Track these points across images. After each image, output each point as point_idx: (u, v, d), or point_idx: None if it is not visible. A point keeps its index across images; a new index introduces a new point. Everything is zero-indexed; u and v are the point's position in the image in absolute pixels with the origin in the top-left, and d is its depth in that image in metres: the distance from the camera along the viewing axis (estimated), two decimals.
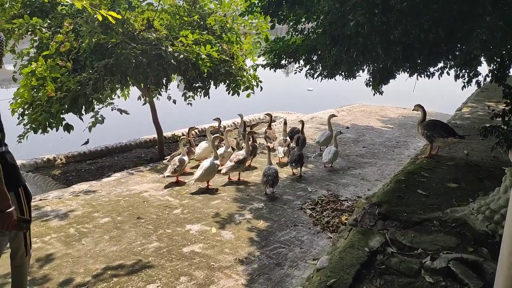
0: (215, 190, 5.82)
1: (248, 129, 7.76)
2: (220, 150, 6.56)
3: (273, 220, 4.78)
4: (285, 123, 7.62)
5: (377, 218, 3.74)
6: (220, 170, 6.08)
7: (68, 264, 3.69)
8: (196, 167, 6.43)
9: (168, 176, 5.94)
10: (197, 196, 5.50)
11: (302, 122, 7.87)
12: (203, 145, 7.07)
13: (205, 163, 5.76)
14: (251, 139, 6.64)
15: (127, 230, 4.40)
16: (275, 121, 11.08)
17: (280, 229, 4.54)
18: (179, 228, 4.49)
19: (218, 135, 6.72)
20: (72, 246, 4.04)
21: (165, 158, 7.46)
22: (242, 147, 6.95)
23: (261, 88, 8.19)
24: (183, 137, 6.64)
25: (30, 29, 6.47)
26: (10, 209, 2.47)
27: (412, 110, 6.45)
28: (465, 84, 6.11)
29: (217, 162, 5.84)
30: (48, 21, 6.62)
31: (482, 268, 2.78)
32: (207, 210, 5.01)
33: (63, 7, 6.76)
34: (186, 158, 6.17)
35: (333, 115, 8.38)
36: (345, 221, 4.64)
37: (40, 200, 5.46)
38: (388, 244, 3.25)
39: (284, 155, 7.01)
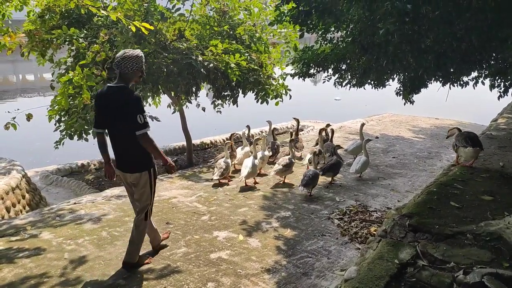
0: (255, 188, 6.29)
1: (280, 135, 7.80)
2: (259, 154, 6.79)
3: (300, 229, 4.76)
4: (320, 133, 7.35)
5: (408, 230, 3.66)
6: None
7: (100, 266, 3.80)
8: (235, 172, 6.97)
9: (216, 179, 6.34)
10: (225, 203, 5.55)
11: (332, 130, 7.78)
12: (240, 151, 7.32)
13: (248, 162, 6.22)
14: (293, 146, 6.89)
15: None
16: (302, 130, 11.05)
17: (307, 239, 4.51)
18: (206, 235, 4.54)
19: (229, 142, 6.98)
20: (104, 249, 4.16)
21: (195, 165, 7.60)
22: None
23: (290, 96, 8.21)
24: (228, 141, 6.94)
25: (67, 39, 6.77)
26: (169, 162, 3.62)
27: (447, 137, 6.19)
28: (501, 93, 5.93)
29: (257, 160, 6.35)
30: (85, 31, 6.90)
31: None
32: (234, 218, 5.04)
33: (99, 18, 7.04)
34: (229, 161, 6.53)
35: (364, 124, 8.22)
36: (374, 232, 4.56)
37: (75, 203, 5.65)
38: (419, 256, 3.17)
39: (310, 163, 6.93)
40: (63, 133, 6.12)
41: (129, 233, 4.49)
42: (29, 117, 5.33)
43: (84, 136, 6.08)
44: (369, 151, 7.67)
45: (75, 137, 6.06)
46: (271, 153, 7.43)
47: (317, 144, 7.39)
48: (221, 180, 6.46)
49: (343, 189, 6.29)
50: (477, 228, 3.56)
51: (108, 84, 3.48)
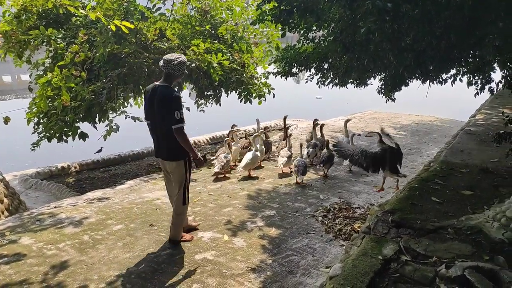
0: (256, 178, 6.77)
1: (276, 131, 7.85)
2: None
3: (285, 227, 4.77)
4: (314, 127, 7.78)
5: (391, 226, 3.71)
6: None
7: (82, 271, 3.73)
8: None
9: (216, 172, 6.73)
10: (209, 203, 5.52)
11: (321, 126, 7.86)
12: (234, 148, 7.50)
13: (249, 155, 6.69)
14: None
15: (140, 237, 4.44)
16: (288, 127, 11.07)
17: (292, 237, 4.52)
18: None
19: (228, 139, 7.15)
20: (86, 253, 4.08)
21: None
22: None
23: (274, 95, 8.21)
24: (227, 138, 7.24)
25: (45, 40, 6.63)
26: (199, 156, 4.02)
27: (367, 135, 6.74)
28: (478, 91, 6.06)
29: (258, 153, 6.80)
30: (63, 32, 6.77)
31: (499, 277, 2.73)
32: (219, 218, 5.02)
33: (78, 18, 6.91)
34: (230, 156, 6.87)
35: (349, 120, 8.33)
36: (358, 228, 4.60)
37: (55, 207, 5.53)
38: (402, 252, 3.21)
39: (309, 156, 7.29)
40: (41, 135, 5.98)
41: (112, 236, 4.46)
42: (6, 120, 5.20)
43: (64, 138, 5.96)
44: None
45: (55, 140, 5.94)
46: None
47: (311, 139, 7.64)
48: (218, 175, 6.83)
49: (327, 186, 6.33)
50: (458, 223, 3.63)
51: (156, 82, 3.89)
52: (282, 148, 7.23)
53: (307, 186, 6.30)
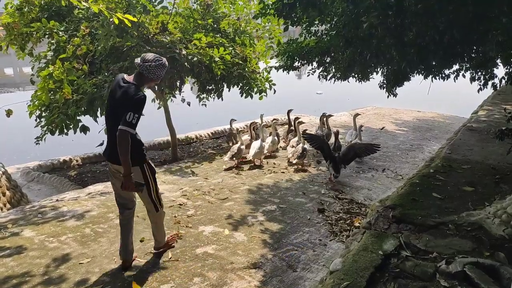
0: (261, 166, 7.07)
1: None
2: (269, 139, 7.66)
3: (286, 222, 4.78)
4: (321, 119, 8.33)
5: (391, 221, 3.71)
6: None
7: (83, 263, 3.75)
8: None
9: (226, 160, 6.99)
10: (210, 197, 5.54)
11: (328, 116, 8.45)
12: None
13: (256, 144, 6.97)
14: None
15: (141, 230, 4.45)
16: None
17: (293, 232, 4.54)
18: (192, 230, 4.52)
19: (234, 132, 7.77)
20: (87, 246, 4.10)
21: (180, 160, 7.57)
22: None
23: (274, 90, 8.20)
24: (240, 129, 7.88)
25: (47, 33, 6.61)
26: (130, 174, 3.31)
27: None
28: (481, 86, 6.04)
29: (264, 144, 7.13)
30: (65, 24, 6.75)
31: (499, 273, 2.74)
32: (220, 212, 5.03)
33: (80, 10, 6.89)
34: (243, 147, 7.10)
35: (358, 114, 8.75)
36: (359, 224, 4.61)
37: (57, 200, 5.56)
38: (403, 247, 3.22)
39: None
40: (44, 128, 5.99)
41: (113, 229, 4.48)
42: (8, 113, 5.19)
43: (66, 131, 5.96)
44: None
45: (57, 132, 5.94)
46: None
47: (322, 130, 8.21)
48: (232, 163, 7.10)
49: (328, 182, 6.33)
50: (459, 219, 3.64)
51: (125, 76, 3.44)
52: (289, 140, 7.69)
53: (310, 180, 6.30)
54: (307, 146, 6.97)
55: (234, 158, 6.99)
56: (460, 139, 6.74)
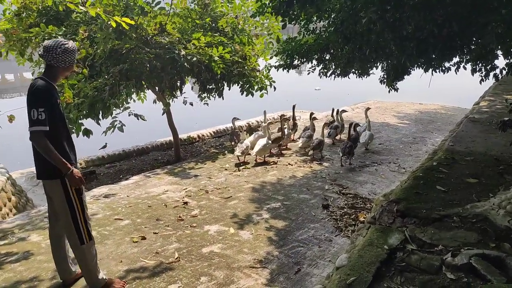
0: (269, 163, 7.25)
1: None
2: (276, 135, 7.90)
3: (291, 219, 4.80)
4: (337, 112, 9.16)
5: (396, 216, 3.72)
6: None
7: None
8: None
9: (238, 155, 7.19)
10: (214, 197, 5.55)
11: (341, 111, 9.14)
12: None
13: (261, 141, 7.09)
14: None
15: (147, 232, 4.47)
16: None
17: (298, 228, 4.55)
18: (197, 229, 4.54)
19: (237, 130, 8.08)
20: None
21: (183, 160, 7.59)
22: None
23: (275, 88, 8.21)
24: (269, 121, 8.06)
25: (46, 37, 6.60)
26: (70, 170, 2.90)
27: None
28: (483, 78, 6.02)
29: (270, 141, 7.19)
30: (64, 28, 6.75)
31: (505, 264, 2.75)
32: (225, 211, 5.05)
33: (78, 14, 6.89)
34: (249, 142, 7.40)
35: (369, 108, 9.32)
36: (363, 219, 4.62)
37: None
38: (408, 241, 3.23)
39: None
40: None
41: (119, 232, 4.50)
42: (11, 118, 5.20)
43: None
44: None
45: None
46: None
47: (331, 123, 8.94)
48: (241, 159, 7.37)
49: (331, 177, 6.35)
50: (463, 211, 3.64)
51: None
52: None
53: (313, 176, 6.32)
54: (327, 139, 7.71)
55: (244, 153, 7.20)
56: (463, 130, 6.74)
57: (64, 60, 2.97)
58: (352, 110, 12.35)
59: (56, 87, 3.04)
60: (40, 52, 2.96)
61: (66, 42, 2.98)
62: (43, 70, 3.09)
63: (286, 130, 7.97)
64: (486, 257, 2.81)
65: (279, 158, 7.63)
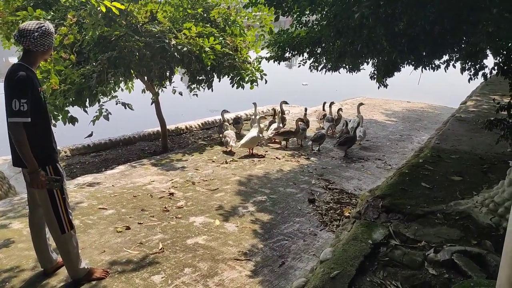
0: (259, 155, 7.23)
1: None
2: (275, 125, 8.12)
3: (277, 212, 4.80)
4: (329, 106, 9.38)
5: (381, 211, 3.75)
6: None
7: None
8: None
9: (240, 147, 7.22)
10: (201, 188, 5.52)
11: (331, 103, 9.39)
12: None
13: (250, 134, 7.07)
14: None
15: (132, 222, 4.43)
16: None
17: (284, 222, 4.55)
18: (183, 220, 4.51)
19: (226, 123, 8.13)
20: (77, 238, 4.06)
21: (170, 150, 7.53)
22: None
23: (266, 81, 8.16)
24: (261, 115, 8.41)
25: None
26: (38, 171, 2.82)
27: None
28: (472, 77, 6.06)
29: (260, 135, 7.21)
30: (52, 13, 6.59)
31: (486, 261, 2.79)
32: (211, 203, 5.03)
33: None
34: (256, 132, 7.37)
35: (362, 104, 9.26)
36: (349, 213, 4.64)
37: None
38: (392, 236, 3.25)
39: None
40: None
41: (103, 221, 4.44)
42: None
43: (53, 122, 5.87)
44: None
45: None
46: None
47: (323, 117, 9.18)
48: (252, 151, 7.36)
49: (318, 172, 6.36)
50: (447, 208, 3.68)
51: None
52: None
53: (300, 170, 6.32)
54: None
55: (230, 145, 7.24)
56: (449, 129, 6.81)
57: (42, 43, 2.85)
58: (341, 106, 12.36)
59: (42, 72, 2.98)
60: (16, 37, 2.81)
61: (42, 24, 2.84)
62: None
63: (301, 126, 7.90)
64: (467, 254, 2.85)
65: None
